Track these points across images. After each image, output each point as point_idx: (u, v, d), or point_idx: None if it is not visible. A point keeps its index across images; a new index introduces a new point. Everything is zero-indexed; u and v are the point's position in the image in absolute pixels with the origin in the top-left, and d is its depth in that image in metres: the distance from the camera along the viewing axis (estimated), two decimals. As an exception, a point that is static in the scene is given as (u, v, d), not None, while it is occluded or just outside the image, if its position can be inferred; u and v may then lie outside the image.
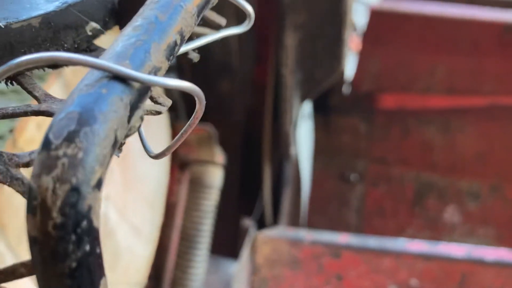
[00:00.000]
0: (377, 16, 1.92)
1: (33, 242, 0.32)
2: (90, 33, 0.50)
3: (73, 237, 0.31)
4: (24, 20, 0.46)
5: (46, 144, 0.31)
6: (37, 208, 0.31)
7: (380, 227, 2.04)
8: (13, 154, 0.39)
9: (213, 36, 0.54)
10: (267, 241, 1.50)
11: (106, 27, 0.51)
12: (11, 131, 0.94)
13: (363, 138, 2.09)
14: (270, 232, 1.52)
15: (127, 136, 0.36)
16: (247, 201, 1.88)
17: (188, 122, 0.43)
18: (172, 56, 0.40)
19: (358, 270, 1.45)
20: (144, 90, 0.36)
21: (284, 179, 1.83)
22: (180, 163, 1.56)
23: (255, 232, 1.56)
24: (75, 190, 0.31)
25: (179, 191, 1.56)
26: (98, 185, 0.32)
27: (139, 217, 1.38)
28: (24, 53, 0.46)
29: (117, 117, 0.33)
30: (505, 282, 1.39)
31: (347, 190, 2.09)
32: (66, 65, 0.43)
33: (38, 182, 0.31)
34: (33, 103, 0.45)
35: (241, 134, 1.82)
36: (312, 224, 1.98)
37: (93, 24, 0.49)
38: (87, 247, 0.32)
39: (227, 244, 1.83)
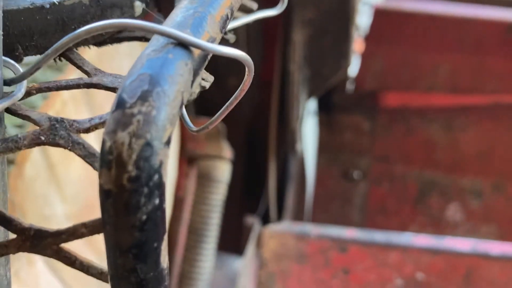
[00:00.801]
0: (381, 15, 1.94)
1: (107, 195, 0.33)
2: (134, 12, 0.52)
3: (146, 190, 0.33)
4: (76, -2, 0.48)
5: (121, 103, 0.33)
6: (112, 162, 0.33)
7: (383, 224, 2.06)
8: (74, 120, 0.41)
9: (248, 18, 0.56)
10: (274, 235, 1.51)
11: (148, 7, 0.53)
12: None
13: (366, 136, 2.11)
14: (276, 227, 1.53)
15: (188, 101, 0.38)
16: (252, 197, 1.89)
17: (236, 93, 0.45)
18: (224, 29, 0.42)
19: (364, 264, 1.47)
20: (204, 57, 0.38)
21: (289, 176, 1.84)
22: (189, 157, 1.57)
23: (260, 228, 1.57)
24: (149, 145, 0.33)
25: (187, 185, 1.56)
26: (168, 142, 0.34)
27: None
28: (74, 29, 0.48)
29: (183, 80, 0.35)
30: (511, 276, 1.40)
31: (350, 188, 2.10)
32: (132, 31, 0.45)
33: (114, 138, 0.32)
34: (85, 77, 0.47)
35: (247, 130, 1.83)
36: (315, 221, 1.99)
37: (137, 3, 0.51)
38: (157, 201, 0.34)
39: (231, 240, 1.84)
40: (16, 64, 0.44)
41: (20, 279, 0.97)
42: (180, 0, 0.42)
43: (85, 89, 1.01)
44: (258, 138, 1.84)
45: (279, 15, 1.71)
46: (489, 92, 1.99)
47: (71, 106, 1.04)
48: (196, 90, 0.38)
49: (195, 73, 0.37)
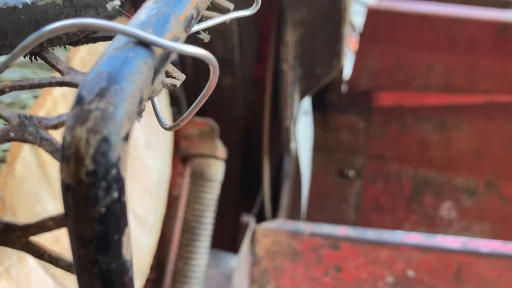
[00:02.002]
0: (374, 15, 1.95)
1: (66, 188, 0.35)
2: (108, 13, 0.53)
3: (104, 184, 0.34)
4: (49, -2, 0.49)
5: (80, 99, 0.35)
6: (71, 157, 0.34)
7: (377, 222, 2.07)
8: (42, 117, 0.42)
9: (222, 17, 0.57)
10: (267, 233, 1.52)
11: (123, 7, 0.54)
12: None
13: (361, 135, 2.12)
14: (270, 225, 1.54)
15: (150, 98, 0.39)
16: (247, 196, 1.90)
17: (203, 91, 0.46)
18: (189, 28, 0.43)
19: (356, 262, 1.47)
20: (166, 55, 0.39)
21: (284, 174, 1.85)
22: (183, 156, 1.58)
23: (255, 225, 1.58)
24: (106, 140, 0.34)
25: (181, 184, 1.57)
26: (126, 137, 0.35)
27: (143, 208, 1.40)
28: (48, 29, 0.49)
29: (142, 78, 0.37)
30: (500, 273, 1.41)
31: (345, 186, 2.11)
32: (97, 31, 0.47)
33: (72, 133, 0.34)
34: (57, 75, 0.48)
35: (241, 130, 1.84)
36: (310, 219, 2.00)
37: (112, 4, 0.52)
38: (115, 194, 0.35)
39: (227, 239, 1.85)
40: (-12, 63, 0.45)
41: (11, 276, 0.98)
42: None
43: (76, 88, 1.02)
44: (253, 137, 1.85)
45: (271, 16, 1.72)
46: (482, 91, 2.00)
47: (62, 105, 1.05)
48: (159, 87, 0.39)
49: (156, 71, 0.38)
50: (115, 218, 0.36)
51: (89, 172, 0.34)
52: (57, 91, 1.05)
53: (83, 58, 1.08)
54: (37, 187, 1.03)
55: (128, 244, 0.38)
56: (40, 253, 0.42)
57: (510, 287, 1.40)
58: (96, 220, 0.35)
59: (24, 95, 1.06)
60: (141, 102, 0.36)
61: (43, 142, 0.42)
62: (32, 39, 0.38)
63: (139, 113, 0.42)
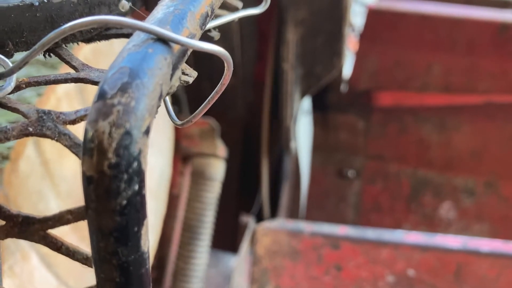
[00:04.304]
0: (374, 15, 1.96)
1: (89, 181, 0.35)
2: (121, 10, 0.54)
3: (125, 176, 0.35)
4: (64, -4, 0.50)
5: (102, 94, 0.35)
6: (94, 150, 0.35)
7: (377, 222, 2.07)
8: (60, 113, 0.43)
9: (232, 16, 0.58)
10: (268, 232, 1.52)
11: (135, 5, 0.55)
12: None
13: (361, 135, 2.13)
14: (270, 224, 1.54)
15: (168, 93, 0.40)
16: (247, 196, 1.90)
17: (216, 88, 0.47)
18: (204, 26, 0.44)
19: (356, 261, 1.48)
20: (183, 52, 0.40)
21: (284, 174, 1.86)
22: (183, 155, 1.59)
23: (255, 225, 1.59)
24: (128, 134, 0.35)
25: (182, 183, 1.58)
26: (147, 131, 0.36)
27: (144, 207, 1.40)
28: (63, 26, 0.50)
29: (162, 73, 0.37)
30: (500, 272, 1.42)
31: (344, 186, 2.12)
32: (116, 27, 0.47)
33: (95, 127, 0.34)
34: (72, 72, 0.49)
35: (241, 129, 1.84)
36: (310, 219, 2.00)
37: (125, 2, 0.53)
38: (136, 187, 0.36)
39: (226, 239, 1.85)
40: (6, 59, 0.46)
41: (15, 274, 0.99)
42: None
43: (79, 87, 1.03)
44: (253, 137, 1.85)
45: (273, 15, 1.72)
46: (482, 92, 2.01)
47: (65, 103, 1.06)
48: (176, 83, 0.40)
49: (174, 67, 0.39)
50: (135, 211, 0.37)
51: (112, 164, 0.35)
52: (61, 89, 1.06)
53: (86, 56, 1.08)
54: (40, 184, 1.03)
55: (146, 236, 0.39)
56: (57, 246, 0.43)
57: (510, 286, 1.41)
58: (117, 212, 0.36)
59: (28, 93, 1.06)
60: (160, 97, 0.37)
61: (61, 137, 0.42)
62: (53, 35, 0.39)
63: (157, 108, 0.42)
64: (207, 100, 0.48)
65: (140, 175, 0.36)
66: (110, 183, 0.35)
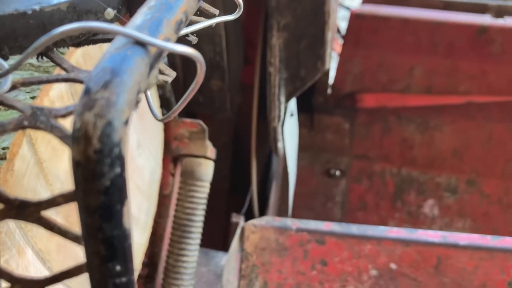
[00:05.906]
0: (357, 19, 2.00)
1: (77, 165, 0.41)
2: (107, 18, 0.59)
3: (108, 160, 0.41)
4: (54, 5, 0.55)
5: (88, 90, 0.41)
6: (81, 138, 0.40)
7: (363, 220, 2.11)
8: (52, 108, 0.49)
9: (209, 22, 0.64)
10: (256, 230, 1.55)
11: (120, 13, 0.61)
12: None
13: (346, 136, 2.17)
14: (258, 221, 1.57)
15: (145, 89, 0.45)
16: (237, 196, 1.93)
17: (191, 87, 0.52)
18: (179, 31, 0.50)
19: (341, 256, 1.51)
20: (159, 53, 0.46)
21: (272, 174, 1.89)
22: (173, 156, 1.62)
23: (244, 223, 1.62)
24: (110, 124, 0.40)
25: (172, 183, 1.61)
26: (126, 122, 0.42)
27: (135, 206, 1.43)
28: (54, 33, 0.56)
29: (140, 72, 0.43)
30: (478, 264, 1.46)
31: (331, 185, 2.16)
32: (99, 33, 0.53)
33: (82, 118, 0.40)
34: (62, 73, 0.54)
35: (230, 131, 1.88)
36: (298, 218, 2.04)
37: (110, 10, 0.59)
38: (118, 170, 0.42)
39: (217, 238, 1.88)
40: (3, 61, 0.51)
41: (11, 268, 1.03)
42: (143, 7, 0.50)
43: (71, 90, 1.08)
44: (242, 139, 1.89)
45: (258, 22, 1.76)
46: (462, 93, 2.05)
47: (58, 105, 1.11)
48: (153, 81, 0.46)
49: (151, 67, 0.45)
50: (118, 190, 0.42)
51: (96, 150, 0.40)
52: (54, 92, 1.10)
53: (77, 60, 1.13)
54: (34, 183, 1.08)
55: (127, 214, 0.44)
56: (51, 226, 0.48)
57: (487, 278, 1.45)
58: (102, 192, 0.42)
59: (22, 96, 1.11)
60: (138, 92, 0.43)
61: (54, 129, 0.48)
62: (44, 40, 0.45)
63: (137, 103, 0.48)
64: (183, 97, 0.54)
65: (121, 159, 0.41)
66: (95, 167, 0.41)
